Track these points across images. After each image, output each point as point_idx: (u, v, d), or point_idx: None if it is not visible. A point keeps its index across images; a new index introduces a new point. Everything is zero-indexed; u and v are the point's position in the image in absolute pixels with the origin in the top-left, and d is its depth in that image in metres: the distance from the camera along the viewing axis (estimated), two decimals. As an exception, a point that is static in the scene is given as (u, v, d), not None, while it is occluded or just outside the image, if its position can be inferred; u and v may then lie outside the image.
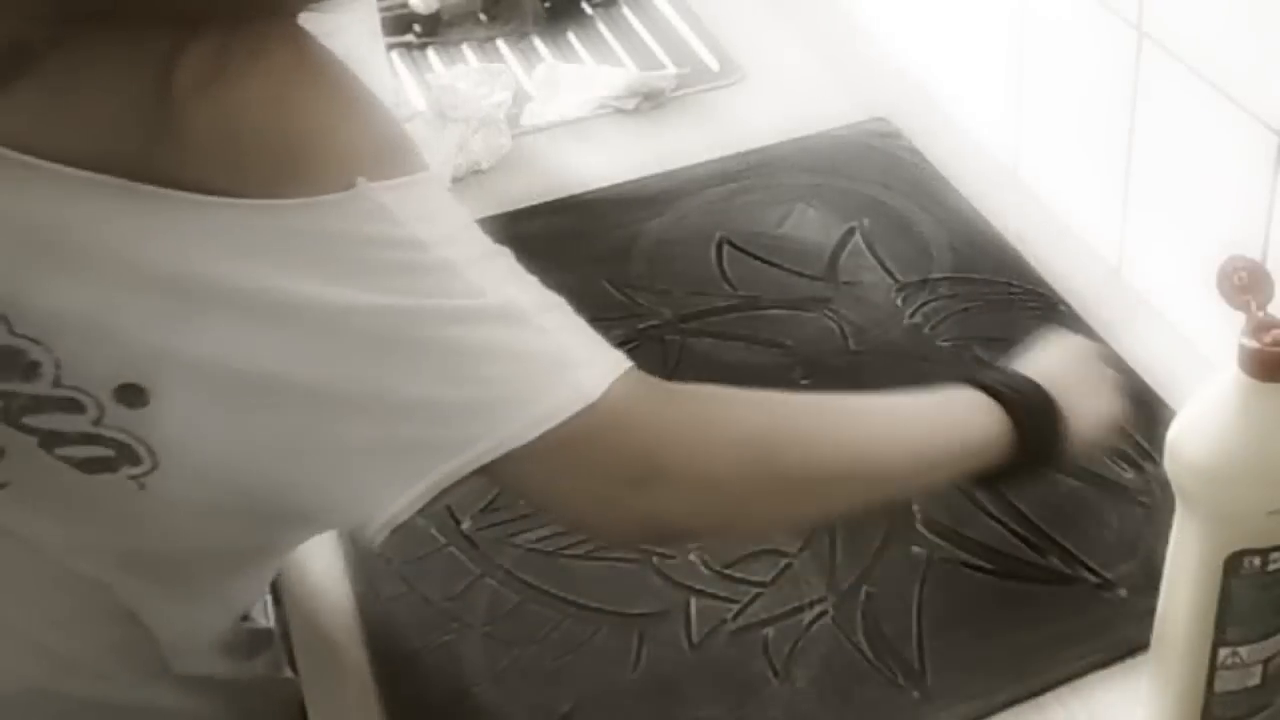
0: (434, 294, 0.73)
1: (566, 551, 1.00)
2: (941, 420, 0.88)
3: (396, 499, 0.73)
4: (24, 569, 0.82)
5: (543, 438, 0.72)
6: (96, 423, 0.73)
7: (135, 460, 0.74)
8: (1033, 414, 0.88)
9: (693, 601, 0.96)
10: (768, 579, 0.97)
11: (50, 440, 0.75)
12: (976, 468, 0.88)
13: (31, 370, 0.72)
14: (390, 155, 0.74)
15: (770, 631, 0.94)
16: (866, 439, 0.85)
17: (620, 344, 1.15)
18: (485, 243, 0.78)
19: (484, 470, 0.73)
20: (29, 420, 0.74)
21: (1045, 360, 0.95)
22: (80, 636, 0.85)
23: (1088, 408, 0.92)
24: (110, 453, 0.74)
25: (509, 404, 0.73)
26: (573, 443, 0.73)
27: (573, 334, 0.78)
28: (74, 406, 0.73)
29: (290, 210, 0.70)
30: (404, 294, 0.72)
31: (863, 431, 0.86)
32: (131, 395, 0.72)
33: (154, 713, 0.90)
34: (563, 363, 0.75)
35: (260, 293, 0.70)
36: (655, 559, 0.99)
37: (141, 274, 0.70)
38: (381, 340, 0.72)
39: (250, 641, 0.99)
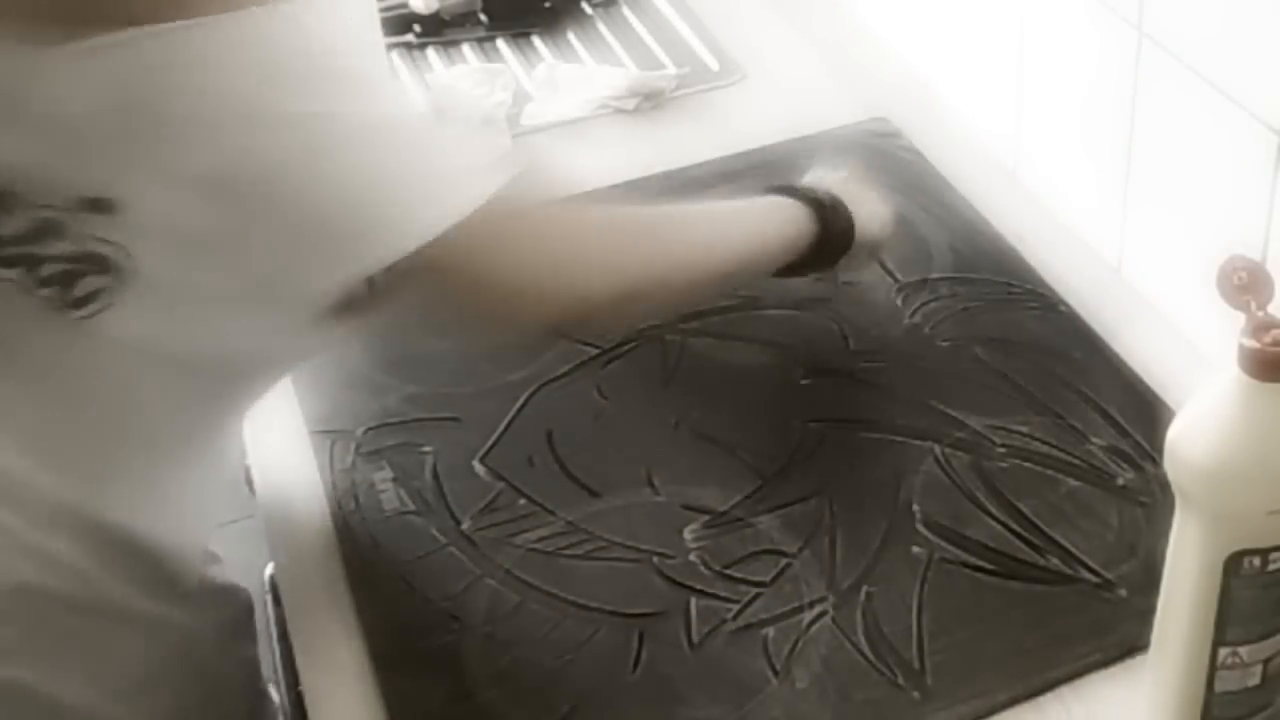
0: (351, 99, 0.79)
1: (566, 551, 1.00)
2: (761, 224, 1.06)
3: (328, 285, 0.82)
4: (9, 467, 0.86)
5: (449, 234, 0.80)
6: (67, 234, 0.78)
7: (104, 269, 0.79)
8: (830, 210, 1.06)
9: (693, 601, 0.96)
10: (768, 579, 0.97)
11: (30, 263, 0.80)
12: (788, 256, 1.06)
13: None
14: None
15: (770, 631, 0.94)
16: (704, 244, 1.01)
17: (620, 344, 1.17)
18: (389, 57, 0.86)
19: (407, 267, 0.80)
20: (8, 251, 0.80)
21: (825, 176, 1.13)
22: (64, 538, 0.87)
23: (868, 210, 1.11)
24: (81, 267, 0.79)
25: (421, 204, 0.80)
26: (472, 242, 0.81)
27: (478, 138, 0.90)
28: (47, 227, 0.78)
29: (223, 24, 0.75)
30: (324, 101, 0.78)
31: (699, 237, 1.01)
32: (101, 205, 0.77)
33: (134, 617, 0.92)
34: (472, 165, 0.84)
35: (200, 103, 0.75)
36: (655, 559, 0.99)
37: (88, 102, 0.75)
38: (303, 148, 0.77)
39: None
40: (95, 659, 0.90)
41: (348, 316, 0.85)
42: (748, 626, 0.94)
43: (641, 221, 0.98)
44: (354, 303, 0.84)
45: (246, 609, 1.06)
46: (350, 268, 0.82)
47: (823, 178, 1.13)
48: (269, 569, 1.09)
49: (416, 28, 1.60)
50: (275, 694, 1.13)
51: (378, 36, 0.86)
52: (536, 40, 1.60)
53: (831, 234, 1.06)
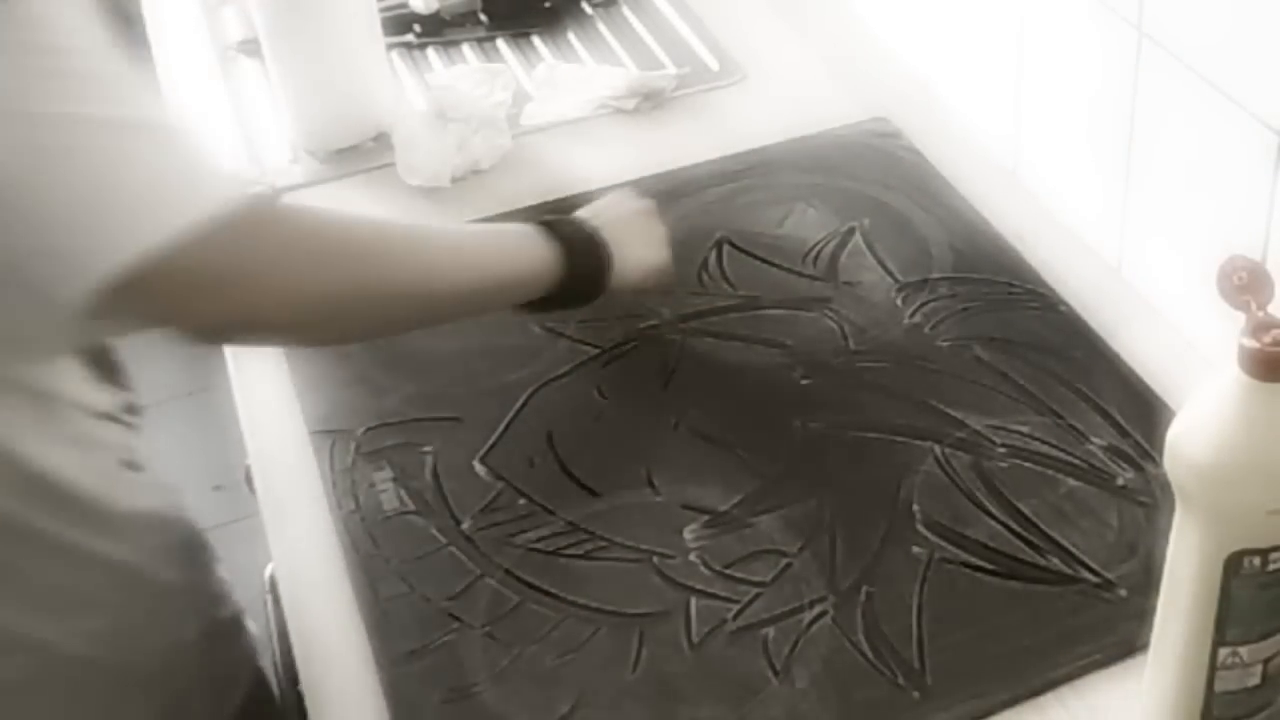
0: (82, 101, 0.79)
1: (566, 551, 1.00)
2: (498, 249, 1.03)
3: (63, 300, 0.79)
4: None
5: (173, 244, 0.79)
6: None
7: None
8: (581, 252, 1.04)
9: (693, 601, 0.96)
10: (768, 579, 0.97)
11: None
12: (528, 293, 1.04)
13: None
14: None
15: (770, 631, 0.94)
16: (431, 259, 0.98)
17: (620, 344, 1.17)
18: (124, 64, 0.84)
19: (128, 281, 0.78)
20: None
21: (605, 210, 1.11)
22: None
23: (635, 254, 1.09)
24: None
25: (146, 213, 0.79)
26: (196, 253, 0.80)
27: (209, 156, 0.86)
28: None
29: None
30: (60, 101, 0.77)
31: (428, 253, 0.99)
32: None
33: (60, 546, 0.93)
34: (199, 179, 0.83)
35: None
36: (655, 559, 0.99)
37: None
38: (31, 149, 0.77)
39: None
40: (22, 584, 0.92)
41: (105, 319, 0.83)
42: (748, 626, 0.94)
43: (369, 233, 0.96)
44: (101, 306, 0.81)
45: (186, 535, 1.06)
46: (74, 273, 0.79)
47: (605, 209, 1.12)
48: (269, 569, 1.09)
49: (416, 28, 1.61)
50: (253, 626, 1.14)
51: (105, 37, 0.84)
52: (536, 40, 1.60)
53: (576, 276, 1.04)
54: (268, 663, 1.13)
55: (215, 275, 0.83)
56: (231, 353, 1.22)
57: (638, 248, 1.10)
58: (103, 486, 0.96)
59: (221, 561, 1.11)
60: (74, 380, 0.97)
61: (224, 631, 1.09)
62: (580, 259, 1.04)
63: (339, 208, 0.96)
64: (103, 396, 1.00)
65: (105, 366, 0.99)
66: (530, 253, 1.03)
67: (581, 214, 1.10)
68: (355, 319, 0.95)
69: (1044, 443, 1.05)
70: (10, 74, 0.77)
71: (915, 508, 1.01)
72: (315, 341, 1.08)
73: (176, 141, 0.83)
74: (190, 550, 1.06)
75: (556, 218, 1.07)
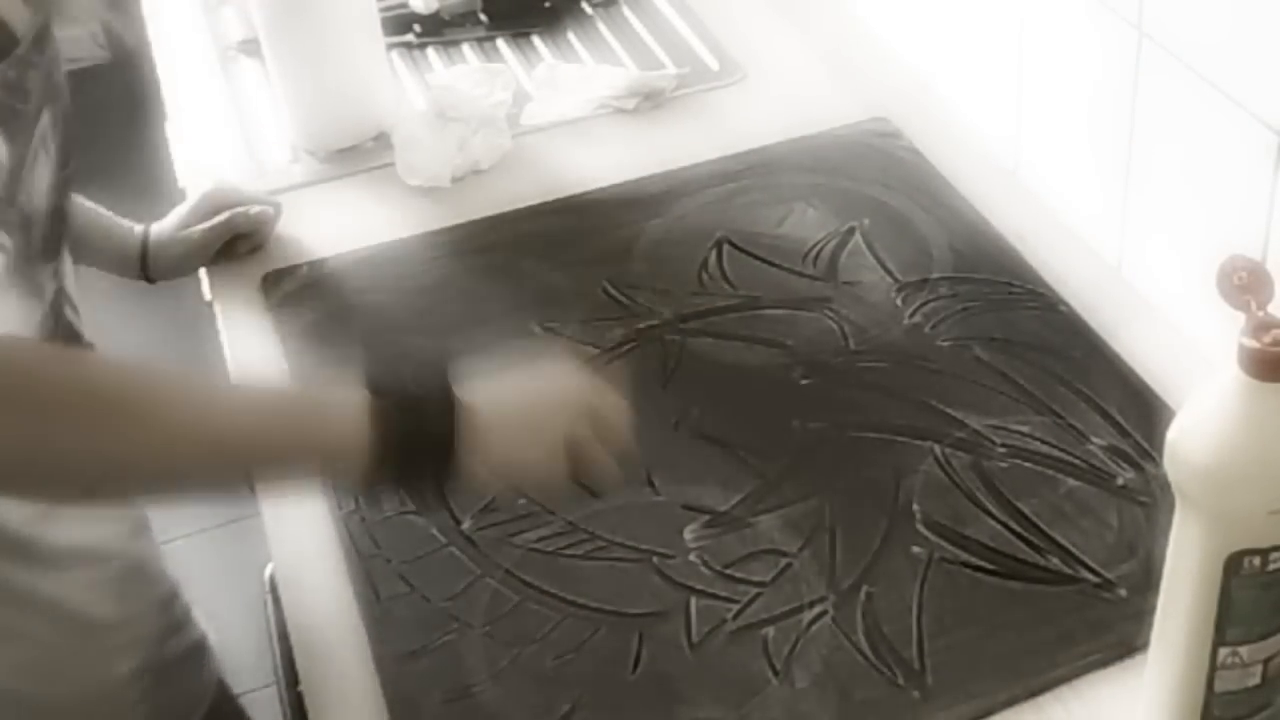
0: None
1: (566, 551, 1.00)
2: (292, 416, 0.83)
3: None
4: None
5: None
6: None
7: None
8: (408, 434, 0.82)
9: (693, 601, 0.96)
10: (768, 579, 0.97)
11: None
12: (330, 470, 0.85)
13: None
14: None
15: (770, 631, 0.94)
16: (193, 416, 0.80)
17: (620, 344, 1.17)
18: None
19: None
20: None
21: (511, 386, 0.89)
22: None
23: (520, 446, 0.86)
24: None
25: None
26: None
27: None
28: None
29: None
30: None
31: (196, 407, 0.81)
32: None
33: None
34: None
35: None
36: (655, 559, 0.99)
37: None
38: None
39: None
40: None
41: None
42: (748, 626, 0.94)
43: (124, 389, 0.79)
44: None
45: (129, 568, 1.02)
46: None
47: (505, 385, 0.89)
48: (269, 569, 1.09)
49: (416, 28, 1.61)
50: (217, 648, 1.13)
51: None
52: (536, 40, 1.60)
53: (401, 457, 0.82)
54: (261, 674, 1.10)
55: None
56: (231, 352, 1.22)
57: (519, 445, 0.87)
58: (33, 520, 0.94)
59: (179, 590, 1.08)
60: None
61: (171, 664, 1.06)
62: (411, 444, 0.83)
63: (86, 358, 0.84)
64: None
65: None
66: (335, 426, 0.82)
67: (476, 387, 0.86)
68: (97, 480, 0.79)
69: (1044, 443, 1.05)
70: None
71: (915, 508, 1.01)
72: (54, 497, 0.89)
73: None
74: (131, 583, 1.02)
75: (418, 393, 0.84)
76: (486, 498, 1.03)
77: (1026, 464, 1.04)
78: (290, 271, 1.28)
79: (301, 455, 0.83)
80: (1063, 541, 0.98)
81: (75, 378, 0.78)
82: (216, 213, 1.28)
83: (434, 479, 0.85)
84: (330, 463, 0.84)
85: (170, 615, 1.07)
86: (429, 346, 1.15)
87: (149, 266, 1.26)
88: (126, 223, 1.25)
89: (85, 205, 1.18)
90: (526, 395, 0.89)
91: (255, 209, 1.29)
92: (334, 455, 0.83)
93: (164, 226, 1.28)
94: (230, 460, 0.82)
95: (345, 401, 0.83)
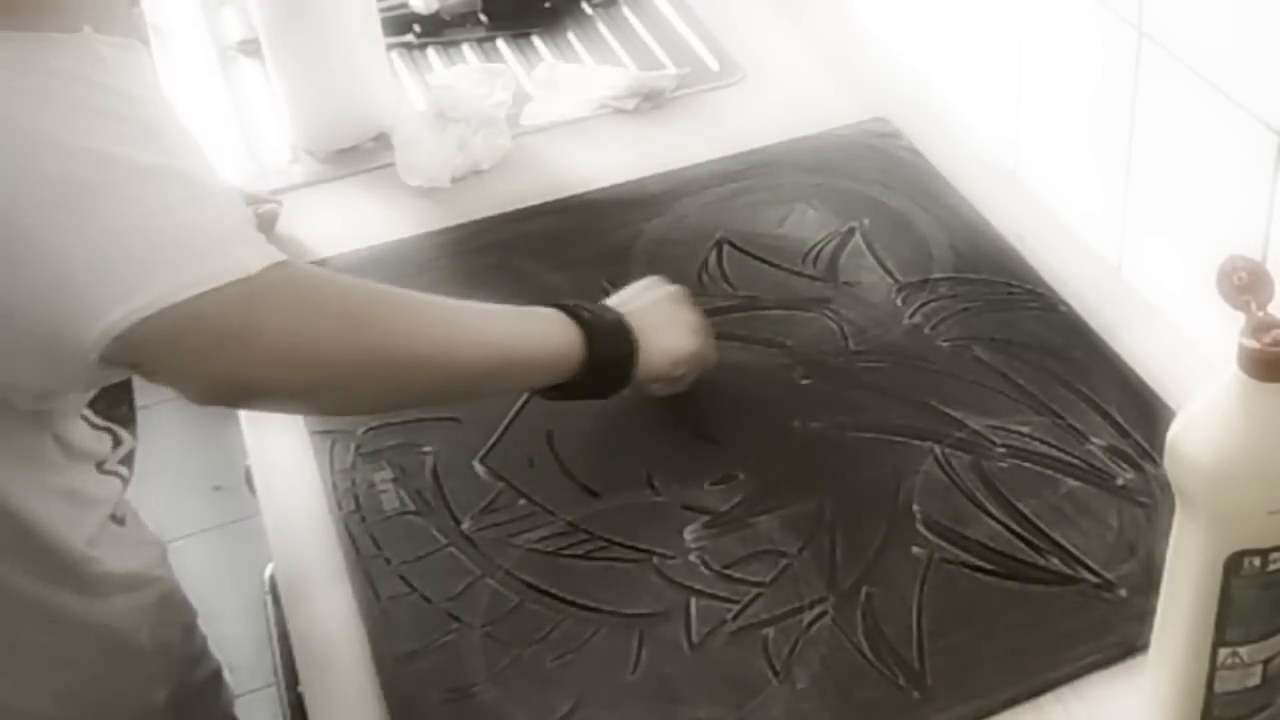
0: (128, 143, 0.78)
1: (566, 551, 1.00)
2: (521, 327, 0.98)
3: (72, 342, 0.78)
4: None
5: (194, 300, 0.78)
6: None
7: None
8: (605, 337, 1.00)
9: (693, 601, 0.96)
10: (768, 579, 0.97)
11: None
12: (550, 375, 0.99)
13: None
14: (116, 16, 0.80)
15: (770, 631, 0.94)
16: (452, 331, 0.94)
17: (620, 344, 1.17)
18: (185, 124, 0.84)
19: (141, 331, 0.78)
20: None
21: (634, 297, 1.07)
22: None
23: (663, 342, 1.04)
24: None
25: (170, 264, 0.78)
26: (216, 311, 0.80)
27: (242, 218, 0.85)
28: None
29: (20, 41, 0.76)
30: (101, 138, 0.77)
31: (450, 324, 0.94)
32: None
33: (30, 602, 0.93)
34: (227, 237, 0.81)
35: None
36: (655, 559, 0.99)
37: None
38: (67, 180, 0.77)
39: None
40: None
41: (112, 366, 0.82)
42: (748, 626, 0.94)
43: (390, 301, 0.93)
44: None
45: (164, 593, 1.04)
46: (87, 316, 0.78)
47: (633, 297, 1.07)
48: (269, 569, 1.09)
49: (416, 28, 1.61)
50: (230, 678, 1.13)
51: (164, 95, 0.84)
52: (536, 40, 1.60)
53: (600, 361, 1.00)
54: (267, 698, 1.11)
55: (228, 335, 0.81)
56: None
57: (667, 336, 1.05)
58: (87, 544, 0.95)
59: (199, 619, 1.09)
60: (75, 428, 0.95)
61: (196, 694, 1.07)
62: (604, 346, 1.00)
63: (360, 277, 0.94)
64: (102, 445, 0.99)
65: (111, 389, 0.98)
66: (553, 335, 0.98)
67: (610, 301, 1.06)
68: (371, 388, 0.91)
69: (1044, 443, 1.05)
70: (55, 102, 0.77)
71: (915, 508, 1.01)
72: (330, 409, 1.04)
73: (207, 198, 0.82)
74: (166, 610, 1.04)
75: (581, 304, 1.02)
76: (491, 496, 1.03)
77: (1026, 464, 1.04)
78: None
79: (541, 361, 0.98)
80: (1063, 542, 0.98)
81: (361, 289, 0.91)
82: None
83: (619, 377, 1.02)
84: (552, 368, 0.99)
85: (194, 643, 1.08)
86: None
87: None
88: None
89: None
90: (656, 296, 1.08)
91: (264, 208, 1.30)
92: (557, 362, 0.98)
93: None
94: (496, 355, 0.96)
95: (549, 314, 0.99)
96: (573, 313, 1.00)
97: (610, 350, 1.00)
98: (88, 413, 0.98)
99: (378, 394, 0.93)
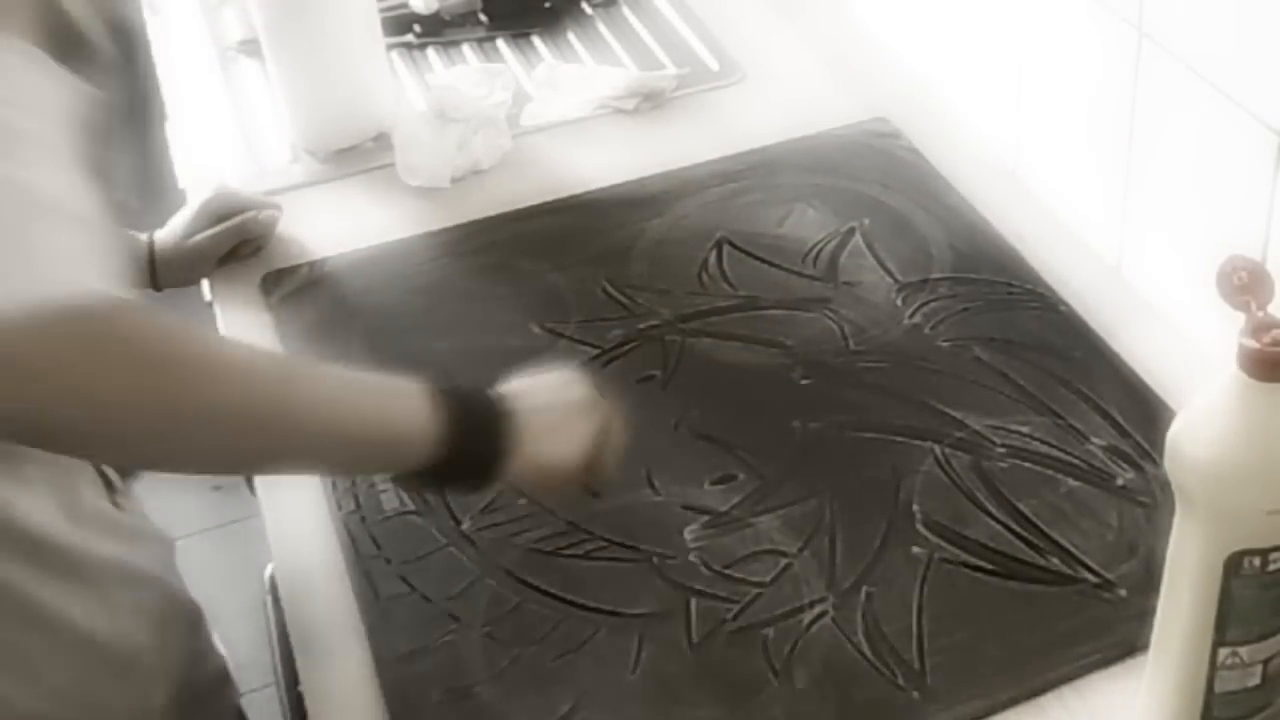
0: None
1: (566, 551, 1.00)
2: (373, 401, 0.87)
3: None
4: None
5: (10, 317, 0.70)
6: None
7: None
8: (472, 431, 0.87)
9: (693, 601, 0.96)
10: (768, 579, 0.97)
11: None
12: (398, 459, 0.87)
13: None
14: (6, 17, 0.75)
15: (770, 631, 0.94)
16: (285, 390, 0.82)
17: (620, 344, 1.17)
18: (65, 139, 0.78)
19: None
20: None
21: (537, 393, 0.94)
22: None
23: (548, 450, 0.91)
24: None
25: (15, 277, 0.71)
26: (28, 333, 0.71)
27: (90, 245, 0.76)
28: None
29: None
30: None
31: (284, 383, 0.83)
32: None
33: (21, 599, 0.91)
34: (55, 262, 0.74)
35: None
36: (655, 559, 0.99)
37: None
38: None
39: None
40: None
41: None
42: (748, 626, 0.94)
43: (231, 355, 0.82)
44: None
45: (166, 596, 1.02)
46: None
47: (538, 393, 0.93)
48: (269, 569, 1.09)
49: (416, 28, 1.61)
50: (237, 677, 1.13)
51: (57, 106, 0.78)
52: (536, 40, 1.60)
53: (463, 455, 0.87)
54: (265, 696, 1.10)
55: (18, 366, 0.72)
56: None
57: (556, 444, 0.92)
58: (79, 532, 0.93)
59: (203, 616, 1.08)
60: None
61: (199, 695, 1.06)
62: (472, 439, 0.88)
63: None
64: None
65: None
66: (407, 414, 0.87)
67: (508, 388, 0.93)
68: (186, 446, 0.80)
69: (1044, 443, 1.05)
70: None
71: (915, 508, 1.01)
72: (140, 463, 0.94)
73: (51, 216, 0.74)
74: (167, 612, 1.02)
75: (472, 390, 0.91)
76: (491, 496, 1.03)
77: (1026, 464, 1.04)
78: (290, 271, 1.28)
79: (394, 440, 0.87)
80: (1063, 542, 0.98)
81: (198, 348, 0.80)
82: (219, 220, 1.28)
83: (482, 475, 0.89)
84: (407, 451, 0.87)
85: (198, 643, 1.07)
86: (443, 351, 1.15)
87: (156, 275, 1.26)
88: (130, 233, 1.25)
89: None
90: (559, 397, 0.94)
91: (264, 214, 1.30)
92: (412, 445, 0.86)
93: (168, 235, 1.28)
94: (332, 424, 0.85)
95: (413, 392, 0.87)
96: (449, 398, 0.88)
97: (477, 446, 0.88)
98: None
99: (196, 453, 0.81)
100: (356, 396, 0.86)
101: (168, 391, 0.76)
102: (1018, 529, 0.99)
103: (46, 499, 0.92)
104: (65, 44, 0.82)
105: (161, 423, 0.77)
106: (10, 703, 0.92)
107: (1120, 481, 1.02)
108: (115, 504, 0.99)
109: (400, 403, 0.87)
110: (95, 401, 0.74)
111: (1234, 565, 0.75)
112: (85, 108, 0.81)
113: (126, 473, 1.01)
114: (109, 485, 0.99)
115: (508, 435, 0.89)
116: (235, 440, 0.81)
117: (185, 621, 1.05)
